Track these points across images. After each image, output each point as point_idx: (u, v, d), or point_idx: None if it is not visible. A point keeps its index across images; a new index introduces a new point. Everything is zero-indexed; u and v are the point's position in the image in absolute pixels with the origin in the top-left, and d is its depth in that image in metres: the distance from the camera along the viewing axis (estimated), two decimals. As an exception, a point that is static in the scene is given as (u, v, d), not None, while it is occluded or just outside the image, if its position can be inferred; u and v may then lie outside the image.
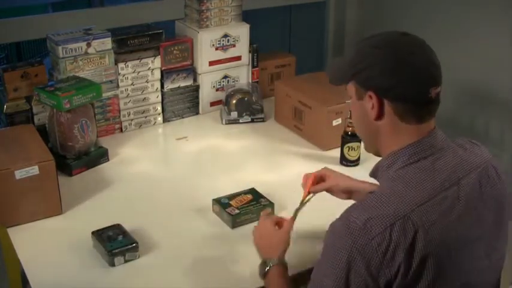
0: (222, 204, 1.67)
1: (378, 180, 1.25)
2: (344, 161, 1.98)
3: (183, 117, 2.37)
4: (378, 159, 1.26)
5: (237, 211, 1.63)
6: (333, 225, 1.13)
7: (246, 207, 1.65)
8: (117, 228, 1.55)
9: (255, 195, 1.71)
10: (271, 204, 1.68)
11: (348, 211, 1.12)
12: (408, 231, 1.06)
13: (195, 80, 2.37)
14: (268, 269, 1.34)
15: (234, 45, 2.37)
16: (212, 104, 2.42)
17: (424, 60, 1.15)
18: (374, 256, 1.06)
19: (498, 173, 1.23)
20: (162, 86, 2.28)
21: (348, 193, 1.53)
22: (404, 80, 1.13)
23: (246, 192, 1.72)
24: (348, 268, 1.07)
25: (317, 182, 1.54)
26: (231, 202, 1.67)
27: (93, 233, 1.54)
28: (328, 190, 1.54)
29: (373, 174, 1.27)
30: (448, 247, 1.10)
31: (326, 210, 1.33)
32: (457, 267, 1.12)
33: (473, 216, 1.15)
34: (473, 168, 1.18)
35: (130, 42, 2.16)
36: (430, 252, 1.07)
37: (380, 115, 1.17)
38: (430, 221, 1.08)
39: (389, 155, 1.19)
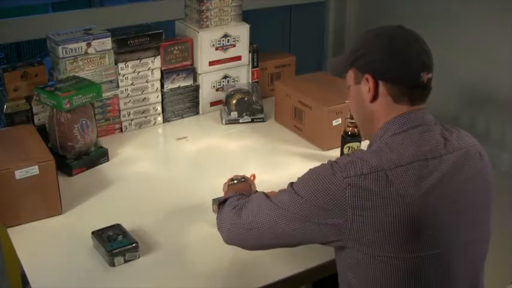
0: None
1: None
2: (344, 161, 1.98)
3: (183, 117, 2.37)
4: None
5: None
6: (328, 161, 1.24)
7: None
8: (117, 228, 1.55)
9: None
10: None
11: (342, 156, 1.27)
12: (382, 184, 1.15)
13: (195, 80, 2.37)
14: (240, 181, 1.60)
15: (234, 45, 2.37)
16: (212, 104, 2.42)
17: (418, 48, 1.25)
18: (342, 193, 1.15)
19: (482, 156, 1.28)
20: (162, 86, 2.28)
21: None
22: (399, 64, 1.24)
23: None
24: (315, 196, 1.18)
25: None
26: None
27: (93, 233, 1.54)
28: None
29: (369, 147, 1.33)
30: (419, 210, 1.15)
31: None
32: (427, 232, 1.16)
33: (450, 191, 1.20)
34: (456, 149, 1.24)
35: (130, 42, 2.16)
36: (399, 209, 1.13)
37: (375, 96, 1.27)
38: (405, 182, 1.15)
39: (383, 125, 1.28)
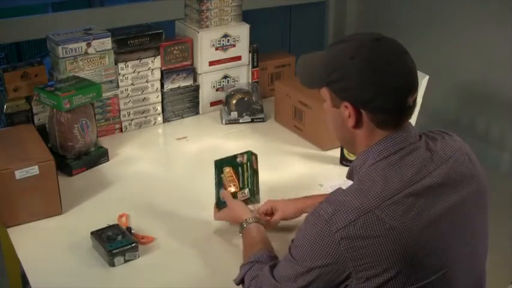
0: (221, 204, 1.67)
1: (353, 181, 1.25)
2: (344, 161, 1.98)
3: (183, 117, 2.37)
4: None
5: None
6: (309, 214, 1.17)
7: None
8: (116, 228, 1.55)
9: (251, 191, 1.72)
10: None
11: (320, 203, 1.15)
12: (373, 225, 1.08)
13: (195, 80, 2.37)
14: (251, 221, 1.50)
15: (234, 45, 2.37)
16: (212, 104, 2.42)
17: (400, 69, 1.14)
18: (337, 249, 1.09)
19: (470, 158, 1.24)
20: (162, 86, 2.28)
21: (299, 213, 1.61)
22: (382, 93, 1.13)
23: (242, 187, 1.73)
24: (312, 260, 1.12)
25: (268, 214, 1.61)
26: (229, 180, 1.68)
27: (92, 233, 1.53)
28: (282, 219, 1.62)
29: (349, 176, 1.29)
30: (419, 237, 1.10)
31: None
32: (431, 257, 1.12)
33: (446, 206, 1.15)
34: (444, 160, 1.19)
35: (130, 42, 2.16)
36: (399, 245, 1.08)
37: (357, 124, 1.18)
38: (397, 215, 1.09)
39: (360, 154, 1.22)
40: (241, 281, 1.34)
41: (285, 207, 1.61)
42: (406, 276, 1.09)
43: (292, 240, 1.21)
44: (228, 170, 1.68)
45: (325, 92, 1.22)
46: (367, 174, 1.16)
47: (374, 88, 1.13)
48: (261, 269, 1.30)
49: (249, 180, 1.72)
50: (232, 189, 1.68)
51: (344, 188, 1.17)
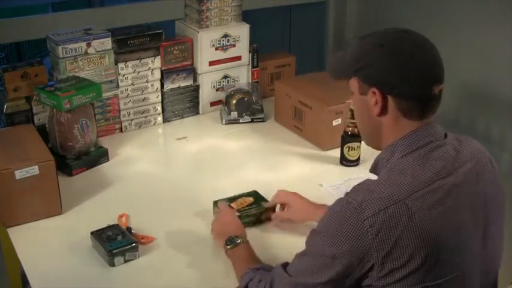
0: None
1: (378, 175, 1.25)
2: (344, 161, 1.98)
3: (183, 117, 2.37)
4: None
5: (237, 214, 1.62)
6: (333, 203, 1.16)
7: (247, 210, 1.65)
8: (116, 228, 1.55)
9: (256, 198, 1.70)
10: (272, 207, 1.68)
11: (347, 193, 1.15)
12: (402, 215, 1.08)
13: (195, 80, 2.37)
14: (239, 242, 1.44)
15: (234, 45, 2.37)
16: (212, 104, 2.42)
17: (427, 59, 1.17)
18: (364, 237, 1.07)
19: (492, 162, 1.26)
20: (162, 86, 2.28)
21: (311, 219, 1.57)
22: (408, 79, 1.15)
23: (247, 195, 1.71)
24: (337, 241, 1.10)
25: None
26: (232, 204, 1.66)
27: (92, 233, 1.53)
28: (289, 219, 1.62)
29: (373, 169, 1.28)
30: (443, 234, 1.10)
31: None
32: (451, 255, 1.12)
33: (469, 204, 1.16)
34: (468, 159, 1.20)
35: (130, 42, 2.16)
36: (425, 238, 1.08)
37: (383, 111, 1.19)
38: (424, 207, 1.09)
39: (388, 147, 1.22)
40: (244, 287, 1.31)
41: (299, 210, 1.59)
42: (427, 271, 1.09)
43: (312, 231, 1.18)
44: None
45: (353, 82, 1.24)
46: (396, 166, 1.17)
47: (401, 73, 1.15)
48: (267, 274, 1.26)
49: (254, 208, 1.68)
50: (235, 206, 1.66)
51: (370, 179, 1.18)
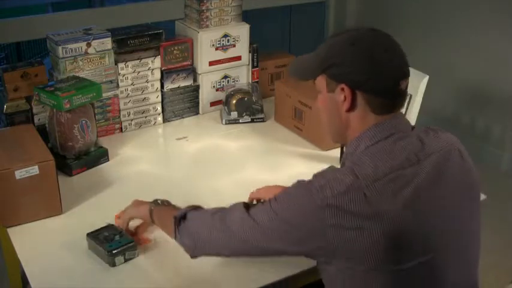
0: None
1: None
2: (344, 161, 1.98)
3: (183, 117, 2.37)
4: None
5: None
6: (294, 183, 1.21)
7: None
8: (112, 228, 1.55)
9: None
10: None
11: (315, 174, 1.20)
12: (360, 203, 1.11)
13: (195, 80, 2.37)
14: (161, 202, 1.53)
15: (234, 45, 2.37)
16: (212, 104, 2.42)
17: (394, 55, 1.22)
18: (321, 212, 1.12)
19: (463, 155, 1.26)
20: (162, 86, 2.28)
21: None
22: (378, 75, 1.19)
23: None
24: (295, 217, 1.15)
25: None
26: None
27: (88, 234, 1.53)
28: None
29: (342, 164, 1.30)
30: (402, 223, 1.12)
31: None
32: (414, 242, 1.14)
33: (435, 195, 1.18)
34: (434, 151, 1.22)
35: (130, 42, 2.16)
36: (381, 226, 1.10)
37: (352, 106, 1.23)
38: (383, 196, 1.12)
39: (352, 140, 1.25)
40: (182, 216, 1.36)
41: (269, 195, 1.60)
42: (385, 256, 1.11)
43: (274, 198, 1.23)
44: None
45: (320, 81, 1.28)
46: (359, 159, 1.20)
47: (370, 70, 1.19)
48: (211, 210, 1.33)
49: None
50: None
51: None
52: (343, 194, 1.12)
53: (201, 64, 2.33)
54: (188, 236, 1.34)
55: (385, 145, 1.20)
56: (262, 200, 1.63)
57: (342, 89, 1.22)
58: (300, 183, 1.20)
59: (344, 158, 1.29)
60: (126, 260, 1.48)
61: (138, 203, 1.58)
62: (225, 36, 2.34)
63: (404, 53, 1.23)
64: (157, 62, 2.24)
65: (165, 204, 1.53)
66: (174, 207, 1.50)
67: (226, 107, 2.33)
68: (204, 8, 2.28)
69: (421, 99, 2.04)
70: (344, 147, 1.94)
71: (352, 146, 1.25)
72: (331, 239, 1.12)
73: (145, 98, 2.26)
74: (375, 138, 1.21)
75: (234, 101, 2.32)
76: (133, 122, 2.26)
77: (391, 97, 1.22)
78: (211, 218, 1.31)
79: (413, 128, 1.27)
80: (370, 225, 1.10)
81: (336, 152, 2.01)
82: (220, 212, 1.32)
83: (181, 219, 1.37)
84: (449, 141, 1.26)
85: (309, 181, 1.18)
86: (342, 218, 1.11)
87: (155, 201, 1.53)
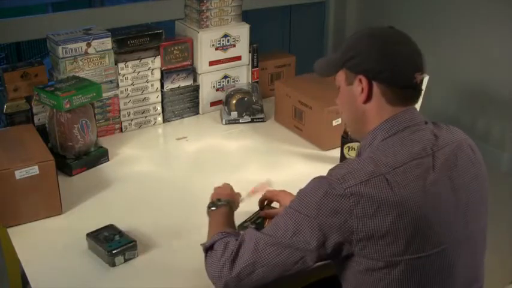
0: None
1: None
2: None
3: (183, 117, 2.37)
4: None
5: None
6: (313, 178, 1.23)
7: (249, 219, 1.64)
8: (112, 228, 1.55)
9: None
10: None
11: (331, 169, 1.23)
12: (383, 188, 1.14)
13: (195, 80, 2.37)
14: (221, 204, 1.48)
15: (234, 45, 2.37)
16: (212, 104, 2.42)
17: (410, 49, 1.26)
18: (345, 203, 1.14)
19: (473, 149, 1.30)
20: (162, 86, 2.28)
21: None
22: (394, 65, 1.23)
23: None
24: (318, 211, 1.16)
25: (269, 203, 1.67)
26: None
27: (88, 234, 1.53)
28: None
29: (358, 156, 1.33)
30: (423, 208, 1.15)
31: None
32: (432, 231, 1.17)
33: (448, 185, 1.21)
34: (447, 144, 1.26)
35: (130, 42, 2.16)
36: (405, 208, 1.14)
37: (369, 97, 1.27)
38: (404, 181, 1.16)
39: (370, 132, 1.28)
40: (210, 247, 1.31)
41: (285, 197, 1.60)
42: (406, 245, 1.14)
43: (293, 200, 1.23)
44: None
45: (340, 75, 1.32)
46: (377, 149, 1.24)
47: (387, 60, 1.23)
48: (236, 239, 1.28)
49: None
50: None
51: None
52: (366, 182, 1.14)
53: (201, 64, 2.33)
54: (213, 275, 1.30)
55: (402, 136, 1.24)
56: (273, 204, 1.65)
57: (360, 81, 1.25)
58: (315, 180, 1.22)
59: (361, 150, 1.31)
60: (126, 260, 1.48)
61: (217, 191, 1.57)
62: (225, 36, 2.34)
63: (419, 49, 1.26)
64: (157, 62, 2.24)
65: (224, 205, 1.49)
66: (224, 219, 1.45)
67: (226, 107, 2.33)
68: (204, 8, 2.28)
69: (421, 99, 2.04)
70: (343, 147, 1.95)
71: (369, 138, 1.28)
72: (356, 229, 1.13)
73: (145, 98, 2.26)
74: (391, 130, 1.25)
75: (234, 101, 2.32)
76: (133, 122, 2.26)
77: (405, 88, 1.25)
78: (223, 268, 1.26)
79: (425, 122, 1.30)
80: (394, 211, 1.13)
81: (336, 152, 2.01)
82: (228, 251, 1.26)
83: (208, 250, 1.32)
84: (460, 137, 1.30)
85: (326, 176, 1.20)
86: (366, 205, 1.13)
87: (213, 202, 1.50)
